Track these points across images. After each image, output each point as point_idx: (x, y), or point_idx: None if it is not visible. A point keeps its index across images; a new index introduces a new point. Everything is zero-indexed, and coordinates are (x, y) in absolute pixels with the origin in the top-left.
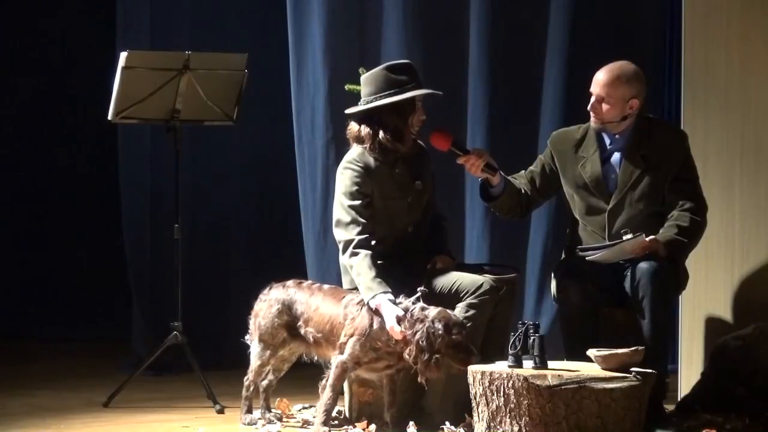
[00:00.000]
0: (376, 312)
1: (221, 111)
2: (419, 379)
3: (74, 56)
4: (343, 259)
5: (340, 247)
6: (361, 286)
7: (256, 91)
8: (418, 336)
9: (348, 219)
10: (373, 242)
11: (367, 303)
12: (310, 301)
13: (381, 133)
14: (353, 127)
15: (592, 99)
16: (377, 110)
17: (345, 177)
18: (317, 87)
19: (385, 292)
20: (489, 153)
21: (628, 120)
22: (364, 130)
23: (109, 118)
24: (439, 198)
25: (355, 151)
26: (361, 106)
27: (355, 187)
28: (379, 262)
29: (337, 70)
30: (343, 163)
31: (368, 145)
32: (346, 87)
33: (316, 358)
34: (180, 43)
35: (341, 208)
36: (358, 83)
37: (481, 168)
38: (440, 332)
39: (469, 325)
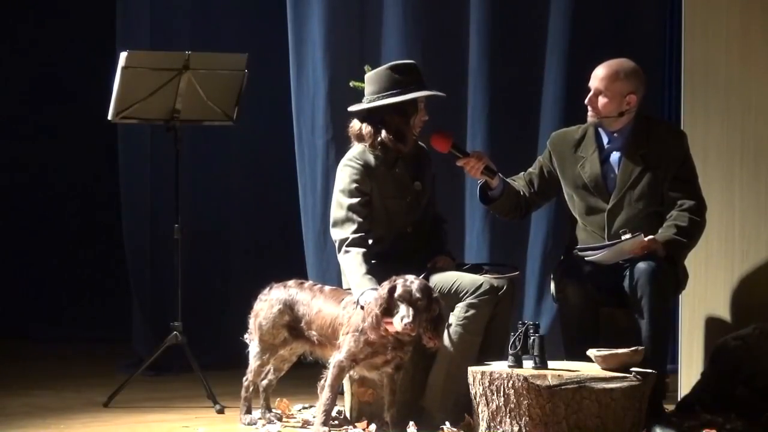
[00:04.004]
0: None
1: (221, 111)
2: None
3: (74, 56)
4: (339, 258)
5: (336, 246)
6: (352, 283)
7: (256, 91)
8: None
9: (344, 217)
10: (369, 241)
11: (357, 300)
12: (312, 303)
13: (383, 133)
14: (355, 125)
15: (590, 92)
16: (380, 110)
17: (344, 174)
18: (317, 87)
19: (373, 289)
20: (489, 155)
21: (625, 117)
22: (366, 128)
23: (109, 118)
24: (439, 198)
25: (355, 149)
26: (364, 105)
27: (354, 185)
28: (373, 261)
29: (337, 70)
30: (344, 161)
31: (369, 143)
32: (351, 83)
33: (319, 358)
34: (180, 43)
35: (338, 206)
36: (362, 80)
37: (480, 170)
38: (414, 287)
39: (468, 324)
